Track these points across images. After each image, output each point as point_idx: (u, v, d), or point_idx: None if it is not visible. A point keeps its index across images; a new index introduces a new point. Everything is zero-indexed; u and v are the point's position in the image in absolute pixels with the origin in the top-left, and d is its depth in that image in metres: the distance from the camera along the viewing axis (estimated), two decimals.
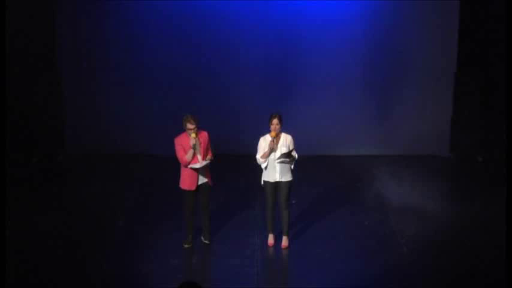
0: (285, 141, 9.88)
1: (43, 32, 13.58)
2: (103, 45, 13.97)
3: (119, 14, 13.80)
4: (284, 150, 9.82)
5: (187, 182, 10.00)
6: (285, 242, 10.15)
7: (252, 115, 13.54)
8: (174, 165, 10.32)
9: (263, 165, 9.94)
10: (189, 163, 9.89)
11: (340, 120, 14.21)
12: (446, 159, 14.20)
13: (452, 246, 10.21)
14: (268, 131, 9.89)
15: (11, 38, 12.28)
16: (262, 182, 10.05)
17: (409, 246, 10.17)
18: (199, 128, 9.88)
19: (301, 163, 10.18)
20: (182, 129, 9.90)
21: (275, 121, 9.79)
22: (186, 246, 10.15)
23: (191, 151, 9.83)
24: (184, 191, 10.07)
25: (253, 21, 13.86)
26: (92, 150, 14.17)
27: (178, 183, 10.10)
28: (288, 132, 9.98)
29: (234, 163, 12.89)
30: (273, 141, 9.80)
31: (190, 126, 9.78)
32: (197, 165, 9.89)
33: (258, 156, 9.92)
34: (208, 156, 9.99)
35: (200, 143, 9.91)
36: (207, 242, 10.23)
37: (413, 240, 10.34)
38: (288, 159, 9.81)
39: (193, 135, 9.75)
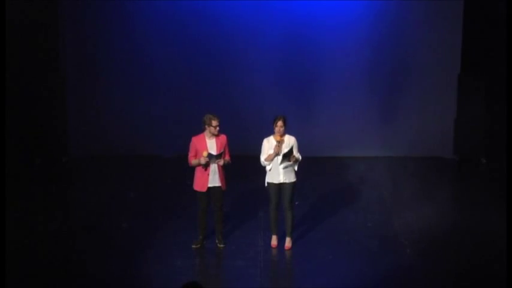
0: (289, 143, 9.87)
1: (47, 34, 13.61)
2: (106, 47, 13.99)
3: (123, 16, 13.82)
4: (286, 151, 9.80)
5: (198, 183, 10.00)
6: (288, 243, 10.14)
7: (257, 117, 13.54)
8: (177, 166, 10.31)
9: (267, 168, 9.94)
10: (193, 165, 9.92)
11: (344, 122, 14.23)
12: (449, 161, 14.20)
13: (456, 247, 10.19)
14: (272, 133, 9.89)
15: (14, 41, 12.31)
16: (266, 184, 10.05)
17: (412, 248, 10.16)
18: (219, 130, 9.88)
19: (304, 165, 10.17)
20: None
21: (279, 123, 9.77)
22: (194, 246, 10.13)
23: (199, 161, 9.80)
24: (196, 192, 10.07)
25: (259, 24, 13.91)
26: (95, 151, 14.18)
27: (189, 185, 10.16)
28: (291, 134, 9.97)
29: (238, 164, 12.88)
30: (278, 145, 9.80)
31: (215, 123, 9.78)
32: (212, 152, 9.79)
33: (262, 158, 9.91)
34: (226, 158, 9.98)
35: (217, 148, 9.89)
36: (221, 245, 10.19)
37: (417, 242, 10.32)
38: (290, 162, 9.79)
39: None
